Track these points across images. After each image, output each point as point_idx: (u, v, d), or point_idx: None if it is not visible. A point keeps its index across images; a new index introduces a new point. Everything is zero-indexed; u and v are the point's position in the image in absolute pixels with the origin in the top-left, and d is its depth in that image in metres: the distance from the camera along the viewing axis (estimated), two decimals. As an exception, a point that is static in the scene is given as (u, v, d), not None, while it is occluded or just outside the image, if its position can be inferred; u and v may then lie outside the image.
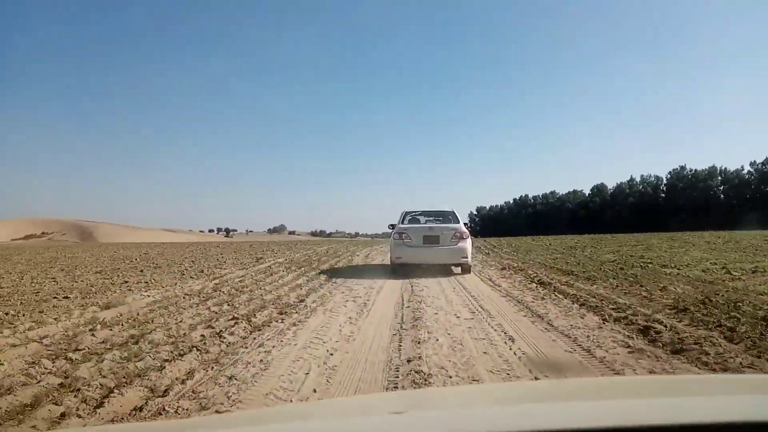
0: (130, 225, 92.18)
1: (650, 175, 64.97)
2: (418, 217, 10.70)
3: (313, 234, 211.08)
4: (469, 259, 9.12)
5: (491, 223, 79.92)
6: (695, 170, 59.67)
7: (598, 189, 68.40)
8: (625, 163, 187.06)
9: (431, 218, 10.65)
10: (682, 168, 61.03)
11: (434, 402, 1.25)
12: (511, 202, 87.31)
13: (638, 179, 65.28)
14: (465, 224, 9.55)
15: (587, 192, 71.10)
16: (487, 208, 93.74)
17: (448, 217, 10.16)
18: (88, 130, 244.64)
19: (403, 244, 9.10)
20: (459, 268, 9.27)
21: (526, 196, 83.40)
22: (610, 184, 68.30)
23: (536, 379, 3.09)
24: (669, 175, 62.52)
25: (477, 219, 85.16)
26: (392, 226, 9.91)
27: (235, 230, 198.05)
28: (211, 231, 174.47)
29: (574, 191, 74.18)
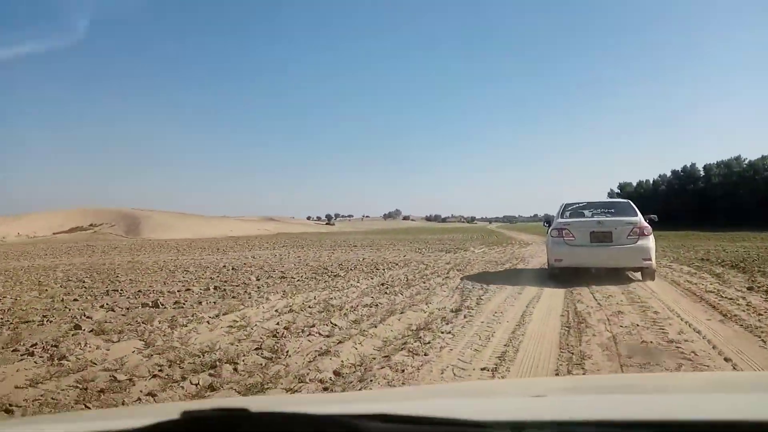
0: (191, 213, 74.94)
1: None
2: (581, 210, 8.59)
3: (428, 219, 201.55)
4: (653, 261, 7.35)
5: (640, 206, 59.94)
6: None
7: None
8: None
9: (599, 210, 8.51)
10: None
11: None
12: (669, 174, 64.99)
13: None
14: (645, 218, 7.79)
15: (799, 155, 47.28)
16: (634, 184, 72.07)
17: (621, 208, 8.32)
18: (182, 121, 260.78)
19: (564, 243, 7.65)
20: (639, 273, 7.62)
21: (693, 165, 60.80)
22: None
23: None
24: None
25: (619, 199, 64.68)
26: (547, 223, 8.66)
27: (351, 216, 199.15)
28: (319, 218, 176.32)
29: (776, 155, 50.47)
